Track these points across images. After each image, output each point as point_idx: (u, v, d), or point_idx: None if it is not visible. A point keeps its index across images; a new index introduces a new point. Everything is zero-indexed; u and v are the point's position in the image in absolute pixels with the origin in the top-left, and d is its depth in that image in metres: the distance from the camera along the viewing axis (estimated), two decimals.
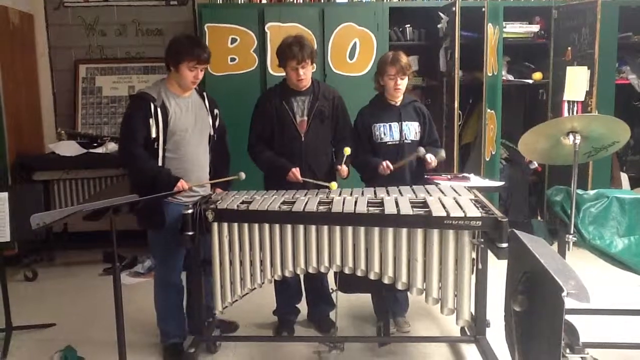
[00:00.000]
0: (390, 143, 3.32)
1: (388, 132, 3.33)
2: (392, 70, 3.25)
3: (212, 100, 3.29)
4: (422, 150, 3.21)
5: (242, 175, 3.17)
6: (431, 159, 3.24)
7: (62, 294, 4.25)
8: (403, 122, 3.33)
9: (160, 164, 3.03)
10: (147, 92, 3.04)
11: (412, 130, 3.34)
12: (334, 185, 3.15)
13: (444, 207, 2.65)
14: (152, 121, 2.96)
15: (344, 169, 3.26)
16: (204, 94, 3.27)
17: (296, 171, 3.20)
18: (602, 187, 3.53)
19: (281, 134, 3.30)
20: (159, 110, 2.98)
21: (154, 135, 2.98)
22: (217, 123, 3.27)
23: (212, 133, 3.24)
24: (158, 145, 3.00)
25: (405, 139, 3.33)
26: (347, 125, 3.42)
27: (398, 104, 3.36)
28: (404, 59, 3.26)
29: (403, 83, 3.28)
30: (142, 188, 2.91)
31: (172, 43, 3.08)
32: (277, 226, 2.79)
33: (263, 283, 2.89)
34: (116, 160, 4.65)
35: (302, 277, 3.41)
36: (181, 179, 3.00)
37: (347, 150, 3.20)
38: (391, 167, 3.21)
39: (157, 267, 3.31)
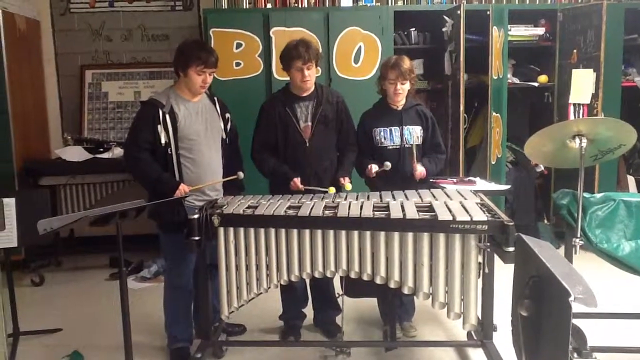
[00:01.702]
0: (390, 147, 3.32)
1: (388, 137, 3.33)
2: (392, 75, 3.25)
3: (224, 104, 3.32)
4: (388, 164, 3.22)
5: (241, 174, 3.25)
6: (417, 169, 3.25)
7: (68, 299, 4.27)
8: (404, 127, 3.32)
9: (175, 169, 3.07)
10: (156, 99, 3.08)
11: (413, 134, 3.33)
12: (332, 189, 3.18)
13: (449, 211, 2.64)
14: (160, 127, 3.00)
15: (346, 181, 3.27)
16: (215, 98, 3.29)
17: (297, 180, 3.21)
18: (608, 191, 3.52)
19: (285, 140, 3.30)
20: (167, 116, 3.02)
21: (164, 141, 3.01)
22: (229, 127, 3.30)
23: (224, 137, 3.26)
24: (171, 151, 3.04)
25: (406, 143, 3.32)
26: (351, 129, 3.42)
27: (400, 108, 3.35)
28: (405, 63, 3.25)
29: (403, 88, 3.27)
30: (151, 191, 3.01)
31: (179, 49, 3.12)
32: (283, 231, 2.78)
33: (269, 288, 2.88)
34: (122, 166, 4.68)
35: (308, 281, 3.41)
36: (182, 183, 3.02)
37: (349, 186, 3.26)
38: (373, 171, 3.24)
39: (168, 270, 3.32)
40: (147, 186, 3.13)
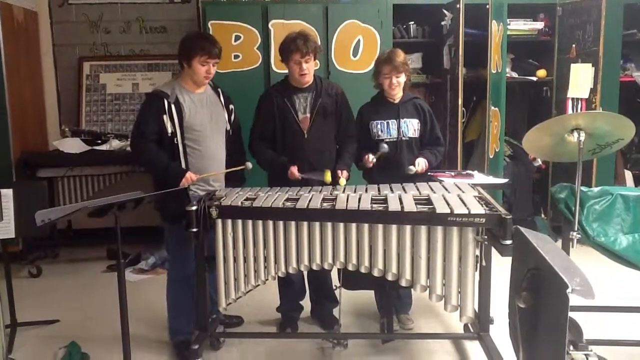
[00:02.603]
0: (387, 140, 3.32)
1: (385, 129, 3.33)
2: (386, 69, 3.25)
3: (227, 96, 3.33)
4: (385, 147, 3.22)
5: (249, 164, 3.24)
6: (418, 164, 3.24)
7: (66, 291, 4.27)
8: (401, 119, 3.33)
9: (182, 159, 3.08)
10: (161, 90, 3.10)
11: (410, 127, 3.34)
12: (327, 174, 3.16)
13: (447, 204, 2.64)
14: (166, 118, 3.02)
15: (343, 176, 3.26)
16: (219, 89, 3.30)
17: (294, 169, 3.21)
18: (606, 185, 3.53)
19: (283, 131, 3.29)
20: (173, 106, 3.03)
21: (170, 131, 3.03)
22: (232, 118, 3.31)
23: (228, 128, 3.27)
24: (177, 141, 3.05)
25: (403, 136, 3.32)
26: (350, 121, 3.41)
27: (397, 101, 3.36)
28: (399, 57, 3.26)
29: (399, 80, 3.28)
30: (164, 181, 3.01)
31: (183, 40, 3.14)
32: (280, 223, 2.79)
33: (267, 280, 2.89)
34: (120, 157, 4.68)
35: (305, 274, 3.42)
36: (188, 171, 3.03)
37: (343, 182, 3.21)
38: (370, 159, 3.21)
39: (171, 262, 3.31)
40: (155, 175, 3.13)
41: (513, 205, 5.02)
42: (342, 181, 3.21)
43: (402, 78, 3.29)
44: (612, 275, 3.63)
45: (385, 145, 3.22)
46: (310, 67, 3.23)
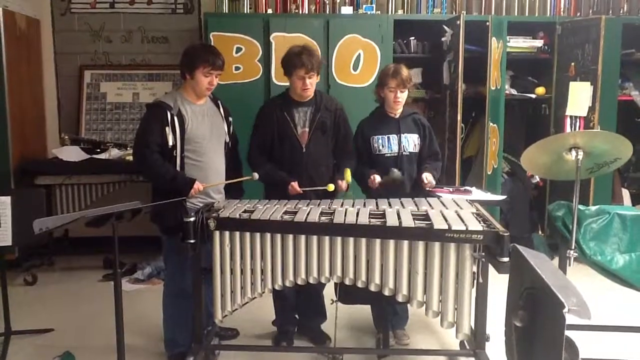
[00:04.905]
0: (388, 155, 3.34)
1: (386, 144, 3.34)
2: (392, 83, 3.27)
3: (226, 108, 3.34)
4: (396, 172, 3.22)
5: (256, 175, 3.22)
6: (427, 179, 3.25)
7: (61, 299, 4.25)
8: (402, 134, 3.34)
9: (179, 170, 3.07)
10: (163, 101, 3.08)
11: (411, 142, 3.36)
12: (331, 187, 3.20)
13: (445, 220, 2.65)
14: (168, 129, 3.01)
15: (343, 185, 3.27)
16: (219, 101, 3.31)
17: (295, 185, 3.21)
18: (603, 203, 3.54)
19: (281, 145, 3.30)
20: (175, 118, 3.02)
21: (171, 143, 3.02)
22: (231, 130, 3.31)
23: (227, 140, 3.27)
24: (176, 153, 3.04)
25: (404, 151, 3.34)
26: (348, 137, 3.42)
27: (397, 116, 3.38)
28: (404, 72, 3.28)
29: (403, 96, 3.30)
30: (163, 192, 2.99)
31: (187, 51, 3.14)
32: (278, 236, 2.78)
33: (263, 292, 2.87)
34: (119, 167, 4.68)
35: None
36: (196, 180, 3.03)
37: (348, 172, 3.23)
38: (376, 181, 3.22)
39: (169, 274, 3.29)
40: (162, 187, 3.07)
41: (510, 222, 5.01)
42: (331, 186, 3.21)
43: (406, 94, 3.32)
44: (609, 294, 3.63)
45: (397, 171, 3.21)
46: (313, 82, 3.23)
